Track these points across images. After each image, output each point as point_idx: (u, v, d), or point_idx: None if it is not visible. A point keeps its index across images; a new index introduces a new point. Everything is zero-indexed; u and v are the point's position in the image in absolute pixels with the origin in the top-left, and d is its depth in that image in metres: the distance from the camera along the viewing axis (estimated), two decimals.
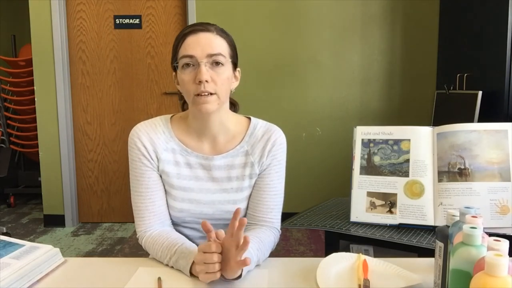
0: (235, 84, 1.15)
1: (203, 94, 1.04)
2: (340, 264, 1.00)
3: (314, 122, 3.41)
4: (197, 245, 1.07)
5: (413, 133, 1.40)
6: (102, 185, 3.55)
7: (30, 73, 3.54)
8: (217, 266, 0.89)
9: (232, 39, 1.13)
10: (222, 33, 1.10)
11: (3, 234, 2.88)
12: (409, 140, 1.40)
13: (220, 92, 1.07)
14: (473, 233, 0.71)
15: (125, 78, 3.45)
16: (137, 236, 1.16)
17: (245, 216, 1.19)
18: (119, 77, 3.45)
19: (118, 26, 3.40)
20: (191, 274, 0.97)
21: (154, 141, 1.14)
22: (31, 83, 3.48)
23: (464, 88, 2.76)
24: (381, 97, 3.39)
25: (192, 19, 3.28)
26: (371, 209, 1.39)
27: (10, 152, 4.04)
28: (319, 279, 0.93)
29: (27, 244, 1.03)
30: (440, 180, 1.34)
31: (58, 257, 1.04)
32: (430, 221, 1.32)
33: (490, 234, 0.78)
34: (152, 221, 1.14)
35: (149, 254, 1.12)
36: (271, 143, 1.16)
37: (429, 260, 1.01)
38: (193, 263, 0.95)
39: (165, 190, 1.17)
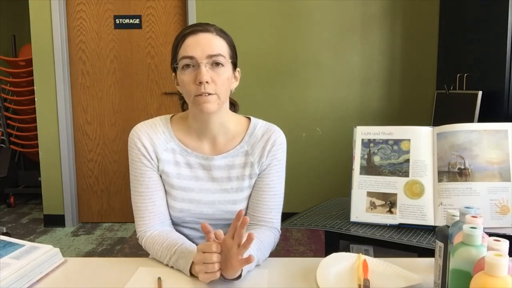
0: (235, 84, 1.15)
1: (203, 94, 1.04)
2: (340, 264, 1.00)
3: (314, 122, 3.41)
4: (197, 245, 1.07)
5: (413, 133, 1.40)
6: (102, 185, 3.55)
7: (30, 73, 3.54)
8: (216, 266, 0.89)
9: (232, 39, 1.13)
10: (222, 33, 1.10)
11: (3, 234, 2.88)
12: (409, 140, 1.40)
13: (220, 92, 1.07)
14: (473, 233, 0.71)
15: (125, 78, 3.45)
16: (137, 236, 1.16)
17: (244, 215, 1.19)
18: (119, 77, 3.45)
19: (118, 26, 3.40)
20: (191, 274, 0.97)
21: (154, 141, 1.14)
22: (31, 83, 3.48)
23: (464, 88, 2.76)
24: (381, 97, 3.39)
25: (192, 19, 3.28)
26: (371, 209, 1.39)
27: (10, 152, 4.04)
28: (319, 279, 0.93)
29: (27, 244, 1.03)
30: (440, 180, 1.34)
31: (58, 257, 1.04)
32: (430, 221, 1.32)
33: (490, 234, 0.78)
34: (152, 221, 1.14)
35: (149, 254, 1.12)
36: (271, 143, 1.16)
37: (429, 260, 1.01)
38: (193, 262, 0.95)
39: (165, 190, 1.17)
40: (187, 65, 1.06)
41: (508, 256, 0.66)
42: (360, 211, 1.40)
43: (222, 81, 1.07)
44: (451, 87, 2.92)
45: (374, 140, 1.44)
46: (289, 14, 3.32)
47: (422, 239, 1.25)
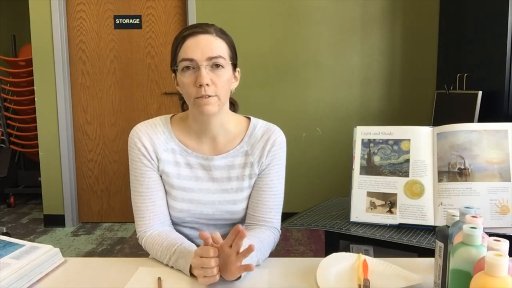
0: (235, 84, 1.15)
1: (203, 97, 1.04)
2: (340, 264, 1.00)
3: (314, 122, 3.41)
4: (197, 244, 1.07)
5: (413, 133, 1.40)
6: (102, 185, 3.55)
7: (30, 73, 3.54)
8: (215, 270, 0.89)
9: (232, 39, 1.13)
10: (222, 34, 1.10)
11: (3, 234, 2.88)
12: (409, 140, 1.40)
13: (220, 94, 1.06)
14: (473, 233, 0.71)
15: (125, 78, 3.45)
16: (137, 236, 1.16)
17: (244, 216, 1.19)
18: (119, 77, 3.45)
19: (118, 26, 3.40)
20: (191, 274, 0.96)
21: (154, 141, 1.14)
22: (31, 83, 3.48)
23: (464, 88, 2.76)
24: (381, 97, 3.39)
25: (192, 19, 3.28)
26: (371, 209, 1.39)
27: (10, 152, 4.04)
28: (319, 279, 0.93)
29: (27, 244, 1.03)
30: (440, 180, 1.34)
31: (58, 257, 1.04)
32: (430, 221, 1.32)
33: (490, 234, 0.78)
34: (152, 221, 1.14)
35: (149, 254, 1.12)
36: (270, 143, 1.16)
37: (429, 260, 1.01)
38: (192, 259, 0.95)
39: (165, 190, 1.17)
40: (187, 67, 1.06)
41: (508, 256, 0.66)
42: (360, 211, 1.40)
43: (223, 83, 1.06)
44: (451, 87, 2.92)
45: (374, 140, 1.44)
46: (289, 14, 3.32)
47: (422, 239, 1.25)
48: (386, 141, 1.42)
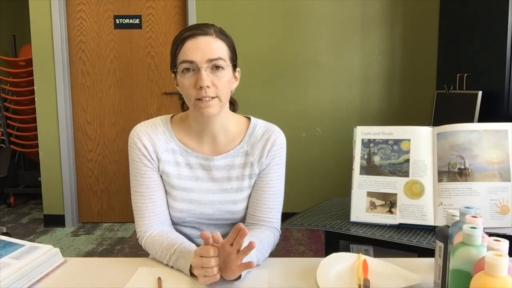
0: (235, 84, 1.15)
1: (204, 98, 1.04)
2: (340, 264, 1.00)
3: (314, 122, 3.41)
4: (197, 244, 1.07)
5: (413, 133, 1.40)
6: (102, 185, 3.55)
7: (30, 73, 3.54)
8: (215, 270, 0.89)
9: (232, 40, 1.13)
10: (222, 35, 1.09)
11: (3, 234, 2.88)
12: (409, 140, 1.40)
13: (221, 95, 1.06)
14: (473, 233, 0.71)
15: (125, 78, 3.45)
16: (137, 236, 1.16)
17: (244, 216, 1.19)
18: (119, 77, 3.45)
19: (118, 26, 3.40)
20: (191, 274, 0.97)
21: (154, 142, 1.14)
22: (31, 83, 3.48)
23: (464, 88, 2.76)
24: (381, 97, 3.39)
25: (192, 19, 3.28)
26: (371, 209, 1.39)
27: (10, 152, 4.04)
28: (319, 279, 0.93)
29: (27, 244, 1.03)
30: (440, 180, 1.34)
31: (58, 257, 1.04)
32: (430, 221, 1.32)
33: (490, 234, 0.78)
34: (152, 221, 1.14)
35: (149, 254, 1.12)
36: (270, 143, 1.16)
37: (429, 260, 1.01)
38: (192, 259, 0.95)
39: (165, 191, 1.17)
40: (187, 69, 1.05)
41: (508, 256, 0.66)
42: (360, 211, 1.40)
43: (223, 84, 1.06)
44: (451, 87, 2.91)
45: (374, 140, 1.44)
46: (289, 14, 3.32)
47: (422, 239, 1.25)
48: (386, 141, 1.42)
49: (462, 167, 1.32)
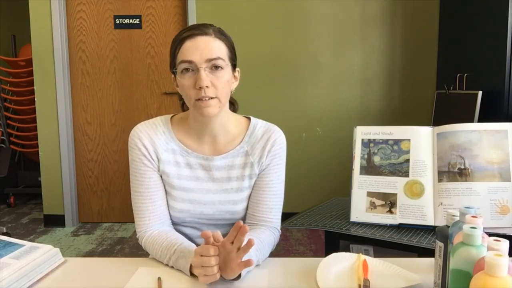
0: (234, 84, 1.15)
1: (203, 99, 1.04)
2: (340, 264, 1.00)
3: (314, 122, 3.41)
4: (197, 244, 1.07)
5: (413, 133, 1.40)
6: (102, 185, 3.55)
7: (30, 73, 3.54)
8: (215, 269, 0.89)
9: (231, 39, 1.13)
10: (221, 35, 1.09)
11: (3, 234, 2.88)
12: (409, 140, 1.40)
13: (220, 95, 1.06)
14: (473, 233, 0.71)
15: (125, 78, 3.45)
16: (137, 236, 1.16)
17: (245, 216, 1.19)
18: (119, 77, 3.45)
19: (118, 26, 3.40)
20: (191, 274, 0.97)
21: (154, 142, 1.14)
22: (31, 83, 3.48)
23: (464, 88, 2.76)
24: (381, 97, 3.39)
25: (192, 19, 3.28)
26: (371, 209, 1.39)
27: (10, 152, 4.04)
28: (319, 279, 0.93)
29: (27, 244, 1.04)
30: (440, 180, 1.34)
31: (58, 257, 1.04)
32: (430, 221, 1.32)
33: (490, 234, 0.78)
34: (152, 221, 1.14)
35: (149, 254, 1.12)
36: (270, 143, 1.16)
37: (429, 260, 1.01)
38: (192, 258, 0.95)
39: (165, 191, 1.17)
40: (186, 69, 1.05)
41: (508, 256, 0.66)
42: (360, 211, 1.40)
43: (222, 84, 1.06)
44: (451, 87, 2.91)
45: (374, 140, 1.44)
46: (289, 14, 3.32)
47: (422, 239, 1.25)
48: (386, 141, 1.42)
49: (462, 167, 1.32)
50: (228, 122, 1.16)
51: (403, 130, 1.42)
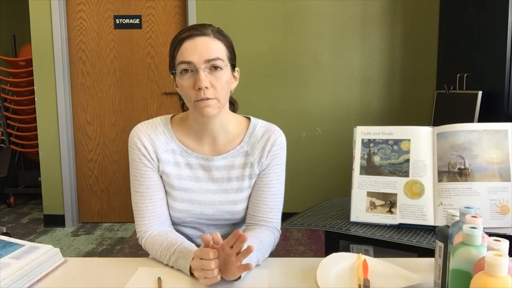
0: (234, 84, 1.15)
1: (203, 99, 1.04)
2: (340, 264, 1.00)
3: (314, 122, 3.41)
4: (197, 244, 1.07)
5: (413, 133, 1.40)
6: (102, 185, 3.55)
7: (30, 73, 3.54)
8: (215, 272, 0.89)
9: (230, 39, 1.12)
10: (219, 35, 1.09)
11: (3, 234, 2.88)
12: (409, 140, 1.40)
13: (220, 96, 1.06)
14: (473, 233, 0.71)
15: (125, 78, 3.45)
16: (137, 236, 1.16)
17: (245, 216, 1.19)
18: (119, 77, 3.45)
19: (118, 26, 3.40)
20: (191, 274, 0.97)
21: (154, 142, 1.14)
22: (31, 83, 3.48)
23: (464, 88, 2.76)
24: (381, 97, 3.39)
25: (192, 19, 3.28)
26: (371, 209, 1.39)
27: (10, 152, 4.04)
28: (319, 279, 0.93)
29: (27, 244, 1.03)
30: (440, 180, 1.34)
31: (58, 257, 1.04)
32: (430, 221, 1.32)
33: (490, 234, 0.78)
34: (152, 221, 1.14)
35: (149, 254, 1.12)
36: (270, 143, 1.16)
37: (429, 260, 1.01)
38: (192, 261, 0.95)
39: (165, 191, 1.17)
40: (185, 70, 1.05)
41: (508, 256, 0.66)
42: (360, 211, 1.40)
43: (222, 85, 1.06)
44: (451, 87, 2.91)
45: (374, 140, 1.44)
46: (289, 14, 3.32)
47: (422, 239, 1.25)
48: (386, 141, 1.42)
49: (462, 167, 1.32)
50: (228, 122, 1.16)
51: (403, 130, 1.42)
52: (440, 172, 1.34)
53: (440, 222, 1.29)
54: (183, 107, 1.22)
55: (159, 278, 0.96)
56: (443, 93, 2.99)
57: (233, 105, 1.23)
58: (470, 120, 2.47)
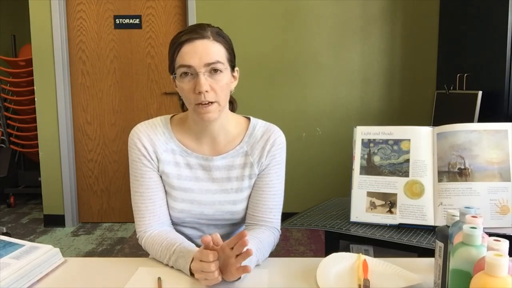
0: (234, 84, 1.15)
1: (203, 103, 1.04)
2: (340, 264, 1.00)
3: (314, 122, 3.41)
4: (197, 244, 1.07)
5: (413, 133, 1.40)
6: (102, 185, 3.55)
7: (30, 73, 3.54)
8: (216, 274, 0.89)
9: (229, 40, 1.12)
10: (219, 36, 1.08)
11: (3, 234, 2.88)
12: (409, 140, 1.40)
13: (220, 99, 1.06)
14: (473, 233, 0.71)
15: (125, 78, 3.45)
16: (137, 236, 1.16)
17: (244, 216, 1.19)
18: (119, 77, 3.45)
19: (118, 26, 3.40)
20: (191, 274, 0.97)
21: (154, 142, 1.14)
22: (31, 83, 3.48)
23: (464, 88, 2.76)
24: (381, 97, 3.39)
25: (192, 19, 3.28)
26: (371, 209, 1.39)
27: (10, 152, 4.04)
28: (319, 279, 0.93)
29: (27, 244, 1.03)
30: (440, 180, 1.34)
31: (58, 257, 1.04)
32: (430, 221, 1.32)
33: (490, 234, 0.78)
34: (152, 221, 1.14)
35: (149, 254, 1.12)
36: (270, 143, 1.16)
37: (429, 260, 1.01)
38: (192, 261, 0.95)
39: (165, 191, 1.17)
40: (185, 73, 1.05)
41: (508, 256, 0.66)
42: (360, 211, 1.40)
43: (222, 87, 1.06)
44: (451, 87, 2.91)
45: (374, 140, 1.44)
46: (289, 14, 3.32)
47: (422, 239, 1.25)
48: (386, 141, 1.42)
49: (462, 167, 1.32)
50: (227, 123, 1.16)
51: (403, 130, 1.42)
52: (440, 172, 1.34)
53: (440, 222, 1.29)
54: (183, 107, 1.22)
55: (159, 278, 0.96)
56: (443, 93, 2.99)
57: (232, 104, 1.23)
58: (470, 120, 2.47)
